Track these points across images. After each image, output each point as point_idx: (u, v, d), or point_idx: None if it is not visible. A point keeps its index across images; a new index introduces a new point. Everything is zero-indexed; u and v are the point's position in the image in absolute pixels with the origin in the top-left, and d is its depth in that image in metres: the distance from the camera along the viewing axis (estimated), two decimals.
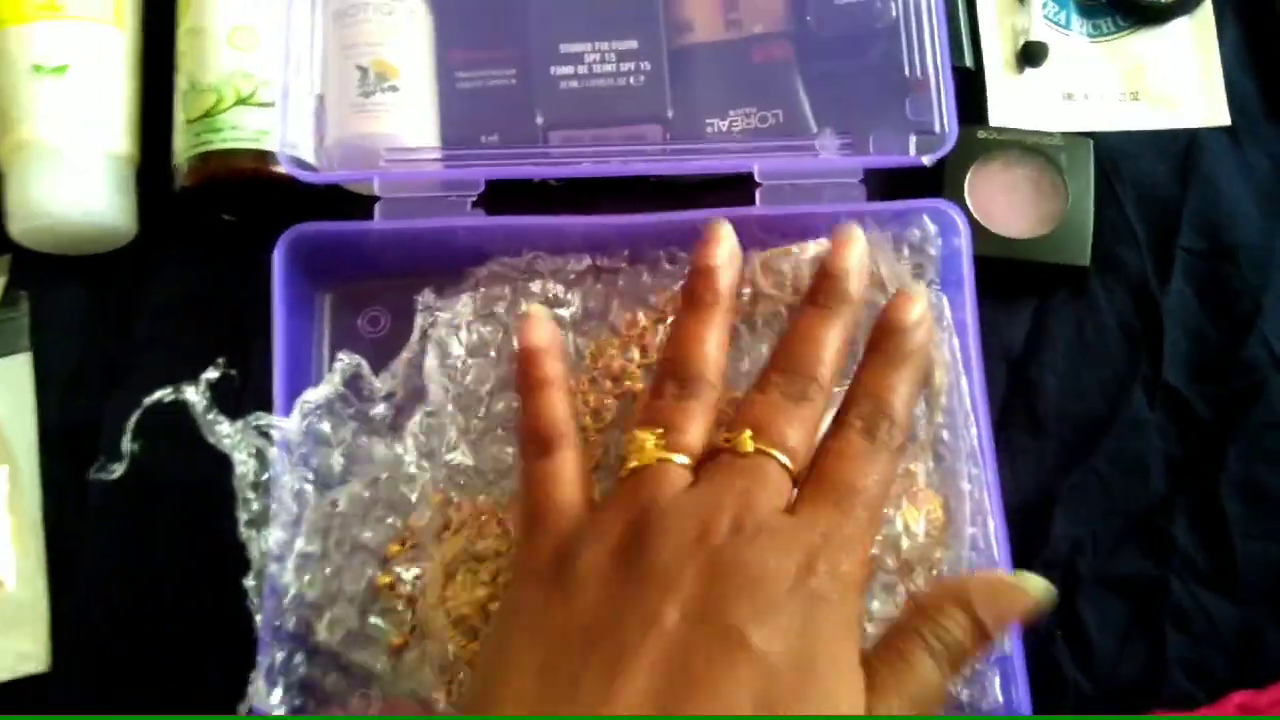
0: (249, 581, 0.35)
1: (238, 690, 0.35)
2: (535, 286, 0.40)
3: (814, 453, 0.31)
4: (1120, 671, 0.39)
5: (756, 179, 0.40)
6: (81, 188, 0.42)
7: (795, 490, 0.30)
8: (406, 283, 0.40)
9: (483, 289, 0.40)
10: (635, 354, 0.39)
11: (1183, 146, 0.46)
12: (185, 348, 0.43)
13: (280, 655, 0.35)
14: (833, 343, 0.32)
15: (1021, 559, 0.39)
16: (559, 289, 0.40)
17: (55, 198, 0.41)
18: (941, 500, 0.36)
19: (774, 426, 0.30)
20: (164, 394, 0.36)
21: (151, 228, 0.44)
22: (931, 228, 0.39)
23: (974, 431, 0.37)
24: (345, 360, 0.38)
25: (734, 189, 0.40)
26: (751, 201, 0.40)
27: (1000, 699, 0.35)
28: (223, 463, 0.41)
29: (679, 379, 0.32)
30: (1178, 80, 0.47)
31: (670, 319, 0.38)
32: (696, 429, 0.31)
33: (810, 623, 0.27)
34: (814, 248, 0.38)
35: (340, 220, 0.40)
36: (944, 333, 0.37)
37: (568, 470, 0.31)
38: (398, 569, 0.36)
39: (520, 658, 0.28)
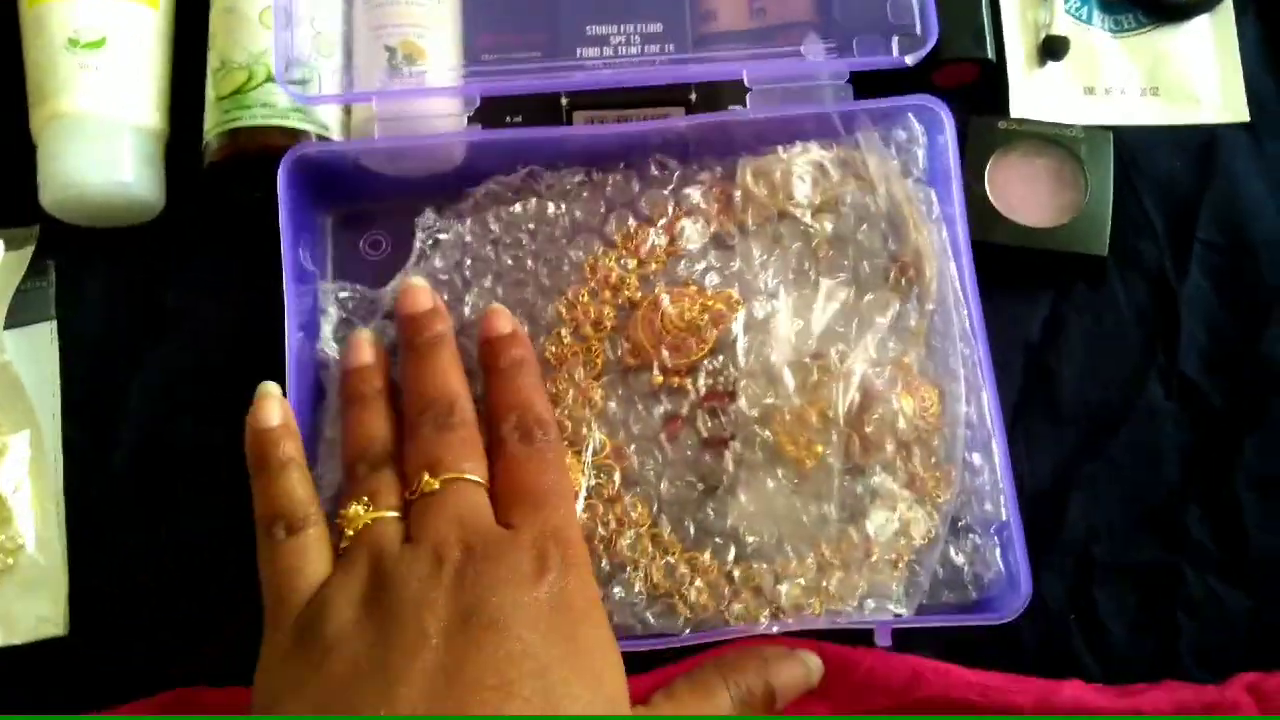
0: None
1: (255, 657, 0.35)
2: (530, 206, 0.42)
3: (490, 471, 0.34)
4: (1132, 658, 0.39)
5: (746, 84, 0.42)
6: (112, 160, 0.42)
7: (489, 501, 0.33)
8: (407, 205, 0.42)
9: (482, 216, 0.42)
10: (631, 263, 0.40)
11: (1202, 142, 0.46)
12: (209, 322, 0.44)
13: None
14: (446, 366, 0.36)
15: (1038, 545, 0.40)
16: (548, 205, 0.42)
17: (86, 169, 0.42)
18: (936, 389, 0.38)
19: (445, 458, 0.33)
20: None
21: (179, 203, 0.45)
22: (917, 125, 0.41)
23: (964, 314, 0.39)
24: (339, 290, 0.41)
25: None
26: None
27: (1001, 567, 0.37)
28: (240, 431, 0.41)
29: (366, 460, 0.35)
30: (1198, 77, 0.47)
31: (660, 222, 0.41)
32: (394, 491, 0.34)
33: (561, 608, 0.30)
34: (800, 152, 0.41)
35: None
36: (933, 225, 0.40)
37: (311, 549, 0.33)
38: None
39: (290, 702, 0.29)
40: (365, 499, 0.33)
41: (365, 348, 0.38)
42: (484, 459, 0.34)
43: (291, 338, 0.39)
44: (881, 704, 0.37)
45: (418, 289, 0.38)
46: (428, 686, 0.27)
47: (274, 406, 0.36)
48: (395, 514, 0.33)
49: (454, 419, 0.34)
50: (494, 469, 0.34)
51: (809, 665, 0.36)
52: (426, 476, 0.33)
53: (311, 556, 0.33)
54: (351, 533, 0.33)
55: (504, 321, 0.37)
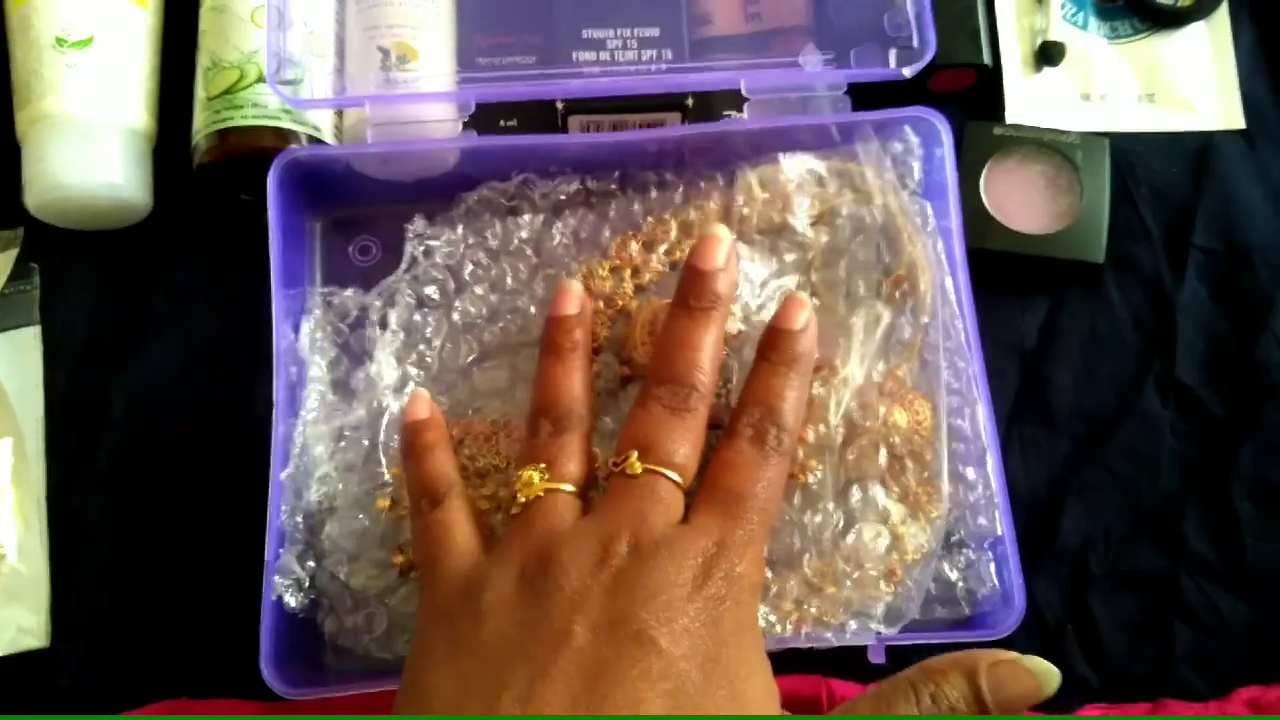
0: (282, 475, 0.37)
1: (241, 669, 0.35)
2: (526, 217, 0.41)
3: (706, 461, 0.33)
4: (1130, 666, 0.39)
5: (744, 93, 0.41)
6: (99, 161, 0.42)
7: (687, 499, 0.32)
8: (398, 210, 0.41)
9: (474, 223, 0.41)
10: (627, 275, 0.40)
11: (1197, 148, 0.46)
12: (195, 326, 0.43)
13: (294, 555, 0.36)
14: (709, 346, 0.33)
15: (1033, 554, 0.39)
16: (545, 215, 0.41)
17: (72, 170, 0.41)
18: (930, 402, 0.38)
19: (659, 444, 0.32)
20: None
21: (167, 205, 0.44)
22: (914, 137, 0.40)
23: (960, 327, 0.38)
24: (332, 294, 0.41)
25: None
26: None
27: (996, 582, 0.37)
28: (227, 439, 0.41)
29: (552, 419, 0.34)
30: (1194, 83, 0.47)
31: (662, 248, 0.40)
32: (575, 460, 0.33)
33: (712, 625, 0.29)
34: (798, 162, 0.40)
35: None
36: (928, 237, 0.39)
37: (460, 520, 0.33)
38: (396, 493, 0.37)
39: (437, 689, 0.28)
40: (542, 466, 0.32)
41: (572, 297, 0.36)
42: (698, 457, 0.32)
43: (279, 343, 0.38)
44: None
45: (721, 242, 0.35)
46: (565, 689, 0.27)
47: (423, 405, 0.36)
48: (572, 489, 0.32)
49: (689, 405, 0.32)
50: (714, 454, 0.32)
51: (1038, 672, 0.30)
52: (634, 456, 0.31)
53: (455, 527, 0.33)
54: (523, 499, 0.32)
55: (801, 317, 0.34)
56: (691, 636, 0.28)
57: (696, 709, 0.27)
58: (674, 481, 0.31)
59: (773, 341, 0.34)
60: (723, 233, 0.35)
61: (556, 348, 0.35)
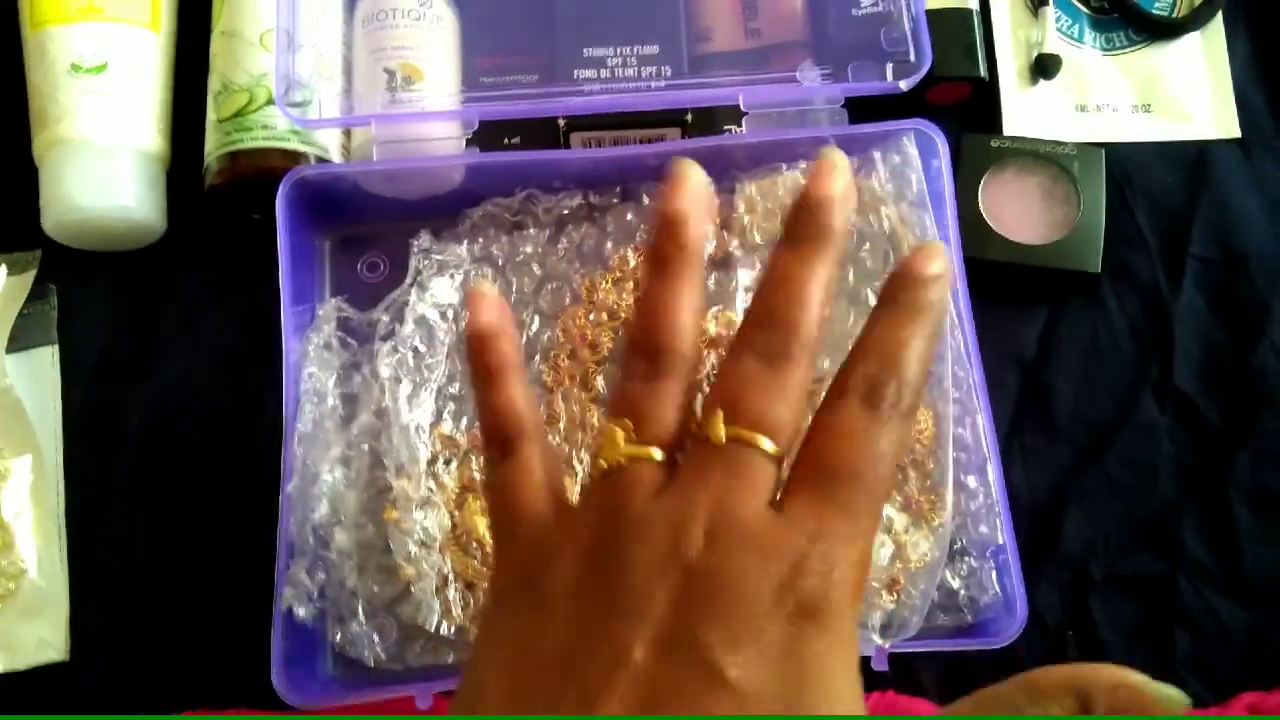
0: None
1: (257, 679, 0.35)
2: (530, 232, 0.42)
3: (807, 424, 0.26)
4: None
5: (742, 108, 0.42)
6: (114, 184, 0.43)
7: (783, 470, 0.26)
8: (405, 228, 0.42)
9: (479, 238, 0.42)
10: (629, 287, 0.40)
11: (1193, 158, 0.46)
12: (209, 344, 0.44)
13: (303, 567, 0.37)
14: (815, 286, 0.26)
15: (1034, 561, 0.40)
16: (548, 231, 0.42)
17: (88, 193, 0.42)
18: (931, 411, 0.38)
19: (751, 403, 0.25)
20: None
21: (180, 227, 0.45)
22: (911, 149, 0.41)
23: (959, 337, 0.39)
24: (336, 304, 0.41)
25: None
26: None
27: (998, 590, 0.37)
28: (239, 453, 0.42)
29: (649, 356, 0.27)
30: (1189, 93, 0.47)
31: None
32: (669, 412, 0.27)
33: (797, 645, 0.23)
34: (798, 173, 0.41)
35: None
36: None
37: (531, 471, 0.28)
38: (404, 504, 0.38)
39: (494, 690, 0.25)
40: (628, 422, 0.26)
41: (691, 184, 0.28)
42: (799, 420, 0.26)
43: (289, 358, 0.39)
44: None
45: (838, 169, 0.27)
46: (621, 712, 0.23)
47: (485, 306, 0.29)
48: (660, 454, 0.26)
49: (790, 352, 0.26)
50: (814, 420, 0.26)
51: (1165, 700, 0.26)
52: (717, 418, 0.25)
53: (525, 482, 0.28)
54: (604, 463, 0.26)
55: (935, 263, 0.27)
56: (770, 664, 0.23)
57: None
58: (766, 451, 0.25)
59: (900, 284, 0.27)
60: (840, 157, 0.28)
61: (663, 260, 0.28)
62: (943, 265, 0.27)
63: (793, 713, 0.23)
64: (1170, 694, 0.26)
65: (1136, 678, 0.26)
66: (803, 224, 0.27)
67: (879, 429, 0.25)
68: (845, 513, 0.24)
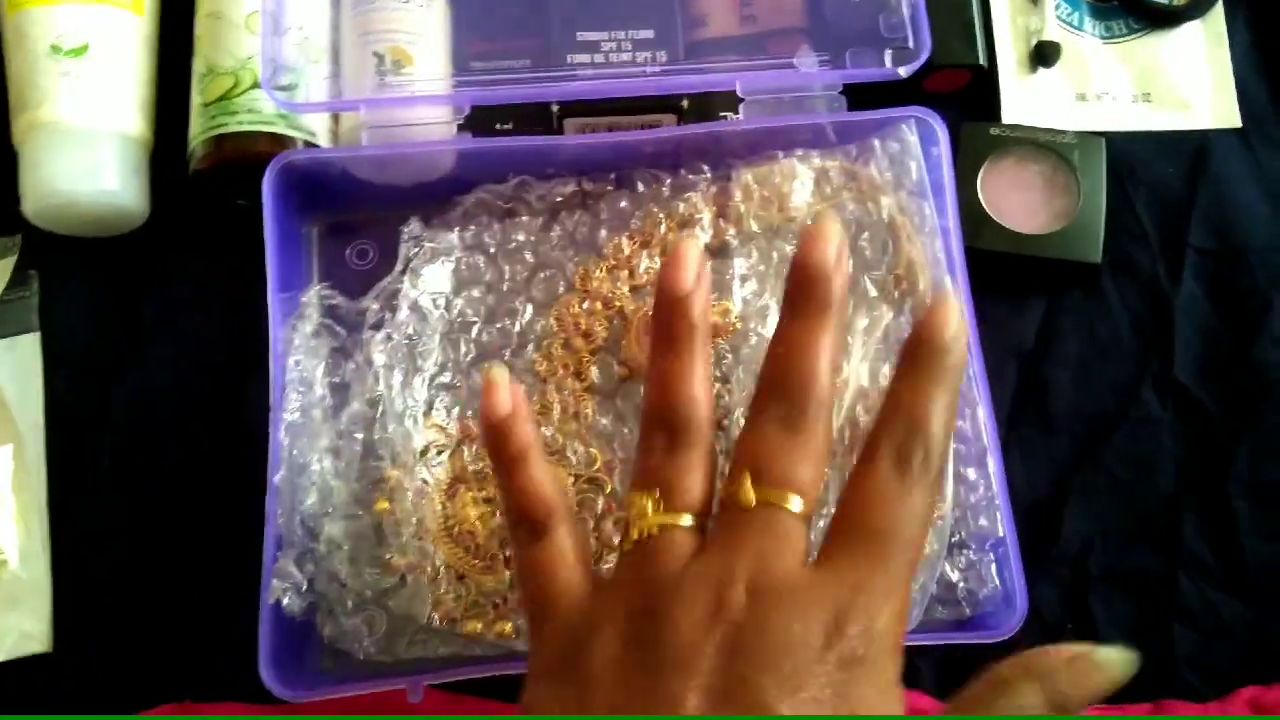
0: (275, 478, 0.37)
1: (243, 672, 0.35)
2: (523, 219, 0.41)
3: (841, 488, 0.28)
4: None
5: (739, 95, 0.41)
6: (95, 168, 0.42)
7: (810, 530, 0.28)
8: (394, 214, 0.41)
9: (471, 225, 0.41)
10: (623, 276, 0.40)
11: (1194, 148, 0.46)
12: (194, 331, 0.43)
13: (291, 559, 0.36)
14: (824, 353, 0.28)
15: (1033, 555, 0.39)
16: (541, 217, 0.41)
17: (69, 177, 0.41)
18: None
19: (776, 466, 0.27)
20: None
21: (164, 213, 0.44)
22: (910, 137, 0.40)
23: None
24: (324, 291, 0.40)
25: None
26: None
27: (997, 583, 0.37)
28: (226, 443, 0.41)
29: (669, 430, 0.29)
30: (1189, 83, 0.47)
31: (654, 242, 0.39)
32: (696, 482, 0.28)
33: (846, 691, 0.24)
34: (795, 161, 0.41)
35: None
36: (926, 237, 0.39)
37: (564, 552, 0.29)
38: (398, 494, 0.37)
39: None
40: (657, 493, 0.28)
41: (690, 266, 0.29)
42: (820, 479, 0.28)
43: (275, 346, 0.38)
44: None
45: (832, 239, 0.29)
46: None
47: (502, 394, 0.30)
48: (691, 521, 0.28)
49: (807, 419, 0.27)
50: (849, 483, 0.28)
51: (1112, 663, 0.27)
52: (746, 483, 0.27)
53: (559, 563, 0.29)
54: (636, 534, 0.28)
55: (953, 322, 0.28)
56: (819, 708, 0.24)
57: None
58: (794, 512, 0.27)
59: (921, 348, 0.28)
60: (833, 226, 0.29)
61: (670, 337, 0.29)
62: (959, 324, 0.28)
63: None
64: (1114, 656, 0.27)
65: (1082, 647, 0.27)
66: (805, 294, 0.29)
67: (909, 491, 0.27)
68: (882, 568, 0.26)
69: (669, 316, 0.30)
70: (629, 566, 0.28)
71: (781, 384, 0.28)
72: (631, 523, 0.28)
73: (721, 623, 0.25)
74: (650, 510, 0.28)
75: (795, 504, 0.27)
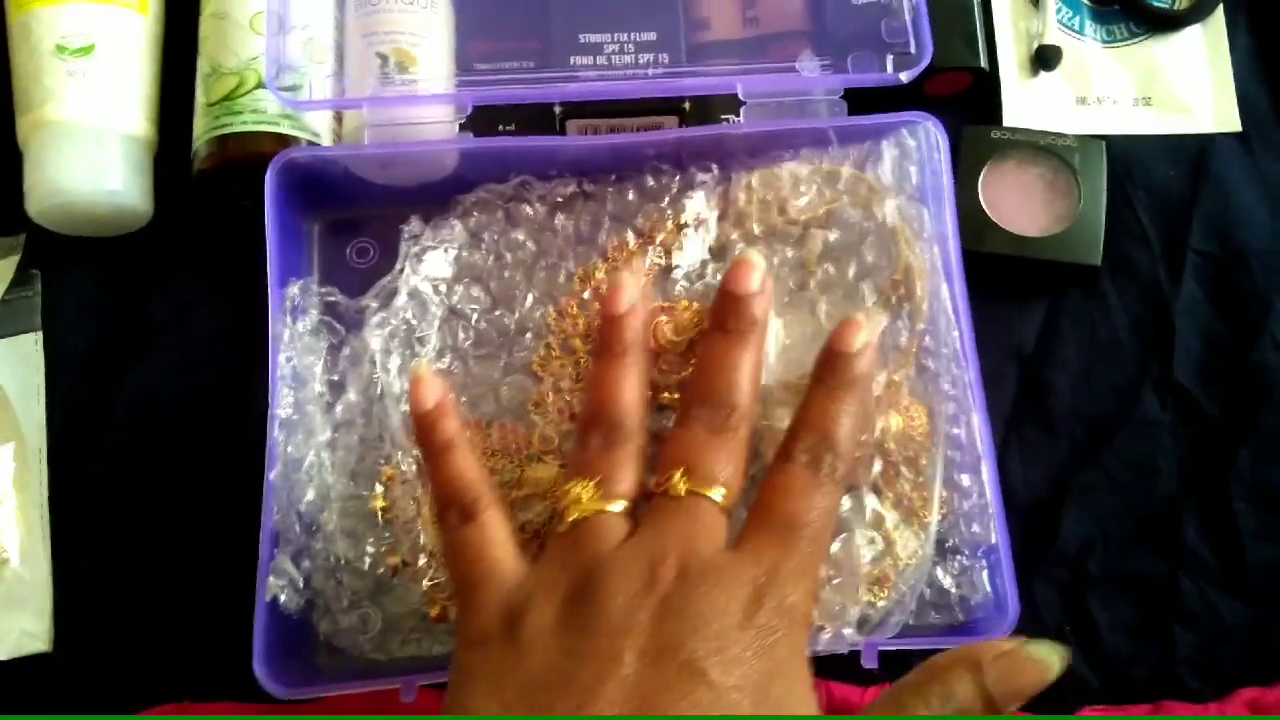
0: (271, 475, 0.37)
1: (242, 671, 0.35)
2: (526, 211, 0.41)
3: (758, 485, 0.32)
4: (1130, 668, 0.39)
5: (741, 98, 0.41)
6: (99, 167, 0.42)
7: (731, 520, 0.31)
8: (395, 213, 0.41)
9: (472, 217, 0.41)
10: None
11: (1195, 151, 0.46)
12: (196, 331, 0.43)
13: (288, 556, 0.36)
14: (747, 367, 0.33)
15: (1032, 556, 0.39)
16: (544, 212, 0.41)
17: (73, 176, 0.42)
18: (925, 408, 0.38)
19: (703, 464, 0.31)
20: None
21: (167, 213, 0.45)
22: (910, 141, 0.41)
23: (956, 335, 0.38)
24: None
25: None
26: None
27: (989, 589, 0.37)
28: (226, 444, 0.41)
29: (604, 429, 0.32)
30: (1190, 87, 0.47)
31: (659, 238, 0.40)
32: (627, 475, 0.32)
33: (762, 655, 0.28)
34: (795, 165, 0.41)
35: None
36: (925, 242, 0.39)
37: (495, 532, 0.32)
38: (393, 491, 0.37)
39: (485, 714, 0.28)
40: (591, 482, 0.31)
41: (626, 291, 0.34)
42: (743, 476, 0.32)
43: (274, 342, 0.38)
44: None
45: (756, 268, 0.34)
46: (614, 713, 0.26)
47: (426, 389, 0.34)
48: (622, 508, 0.31)
49: (730, 424, 0.32)
50: (766, 478, 0.32)
51: (1039, 659, 0.29)
52: (677, 476, 0.31)
53: (494, 540, 0.31)
54: (571, 518, 0.31)
55: (859, 338, 0.33)
56: (742, 667, 0.27)
57: None
58: (718, 503, 0.31)
59: (829, 364, 0.33)
60: (756, 258, 0.34)
61: (608, 349, 0.34)
62: (865, 337, 0.33)
63: (764, 700, 0.27)
64: (1044, 652, 0.29)
65: (1012, 643, 0.29)
66: (732, 316, 0.34)
67: (819, 488, 0.31)
68: (794, 553, 0.30)
69: (609, 331, 0.34)
70: (563, 547, 0.31)
71: (707, 392, 0.32)
72: (568, 508, 0.31)
73: (653, 593, 0.28)
74: (585, 498, 0.31)
75: (719, 495, 0.31)
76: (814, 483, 0.31)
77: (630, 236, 0.41)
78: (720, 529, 0.31)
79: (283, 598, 0.36)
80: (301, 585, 0.36)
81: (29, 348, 0.43)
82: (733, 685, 0.27)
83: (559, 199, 0.42)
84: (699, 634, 0.28)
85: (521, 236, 0.41)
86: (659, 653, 0.27)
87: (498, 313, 0.40)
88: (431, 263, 0.41)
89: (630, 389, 0.33)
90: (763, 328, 0.34)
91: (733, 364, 0.33)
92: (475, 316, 0.40)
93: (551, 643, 0.28)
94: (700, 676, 0.27)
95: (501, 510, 0.33)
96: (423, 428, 0.34)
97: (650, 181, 0.42)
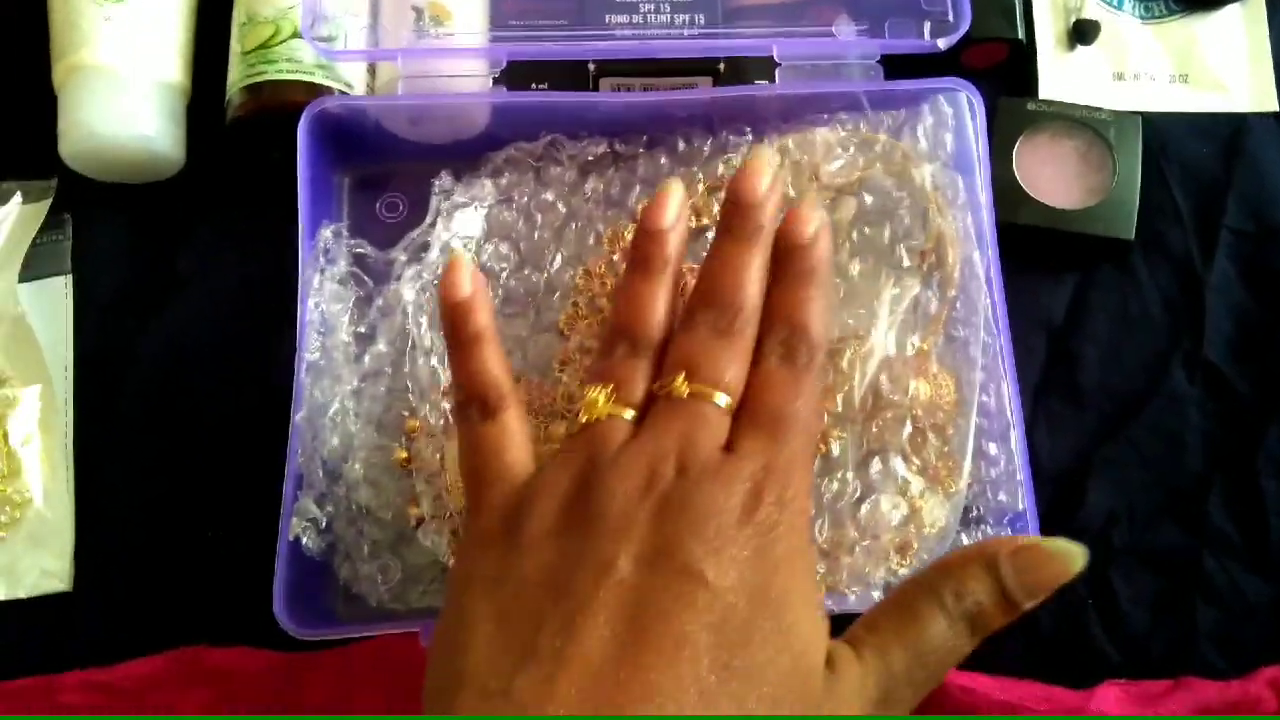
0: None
1: (260, 616, 0.35)
2: (555, 171, 0.41)
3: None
4: (1151, 643, 0.38)
5: (776, 60, 0.41)
6: (133, 112, 0.42)
7: (731, 423, 0.30)
8: (425, 169, 0.41)
9: (503, 176, 0.41)
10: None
11: (1231, 130, 0.46)
12: (224, 279, 0.44)
13: (311, 499, 0.36)
14: (754, 269, 0.32)
15: (1056, 528, 0.39)
16: (573, 174, 0.41)
17: (106, 120, 0.42)
18: (954, 377, 0.38)
19: (706, 365, 0.30)
20: None
21: (199, 162, 0.45)
22: (946, 109, 0.40)
23: (986, 303, 0.38)
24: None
25: None
26: None
27: None
28: (251, 391, 0.41)
29: (630, 341, 0.32)
30: (1227, 65, 0.47)
31: (690, 201, 0.39)
32: (641, 385, 0.31)
33: (761, 553, 0.27)
34: (828, 130, 0.41)
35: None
36: (958, 210, 0.39)
37: (513, 433, 0.32)
38: (418, 444, 0.37)
39: (477, 620, 0.28)
40: (610, 387, 0.31)
41: (672, 204, 0.33)
42: (743, 379, 0.31)
43: (303, 289, 0.38)
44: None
45: (764, 172, 0.33)
46: (606, 621, 0.26)
47: (463, 276, 0.33)
48: (632, 415, 0.31)
49: (735, 327, 0.31)
50: (747, 381, 0.31)
51: (1058, 552, 0.29)
52: (680, 378, 0.30)
53: (507, 442, 0.31)
54: (585, 419, 0.31)
55: (810, 228, 0.32)
56: (739, 566, 0.27)
57: (743, 642, 0.26)
58: (719, 405, 0.30)
59: (787, 256, 0.32)
60: (767, 156, 0.33)
61: (645, 263, 0.33)
62: (817, 223, 0.32)
63: (763, 600, 0.27)
64: (1062, 545, 0.29)
65: (1030, 539, 0.29)
66: (738, 219, 0.33)
67: (798, 379, 0.30)
68: (785, 446, 0.29)
69: (647, 245, 0.33)
70: (573, 448, 0.30)
71: (714, 295, 0.32)
72: (582, 411, 0.31)
73: (652, 494, 0.28)
74: (602, 401, 0.31)
75: (721, 399, 0.30)
76: (792, 375, 0.30)
77: None
78: (722, 430, 0.30)
79: (305, 539, 0.36)
80: (324, 526, 0.36)
81: (58, 291, 0.43)
82: (730, 586, 0.27)
83: (589, 158, 0.42)
84: (696, 534, 0.27)
85: (551, 197, 0.41)
86: (656, 555, 0.27)
87: (526, 271, 0.40)
88: (462, 219, 0.41)
89: (661, 306, 0.32)
90: (771, 232, 0.33)
91: (739, 266, 0.32)
92: (504, 275, 0.40)
93: (550, 544, 0.28)
94: (697, 578, 0.26)
95: (522, 414, 0.32)
96: (455, 316, 0.33)
97: (681, 145, 0.42)
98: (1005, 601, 0.28)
